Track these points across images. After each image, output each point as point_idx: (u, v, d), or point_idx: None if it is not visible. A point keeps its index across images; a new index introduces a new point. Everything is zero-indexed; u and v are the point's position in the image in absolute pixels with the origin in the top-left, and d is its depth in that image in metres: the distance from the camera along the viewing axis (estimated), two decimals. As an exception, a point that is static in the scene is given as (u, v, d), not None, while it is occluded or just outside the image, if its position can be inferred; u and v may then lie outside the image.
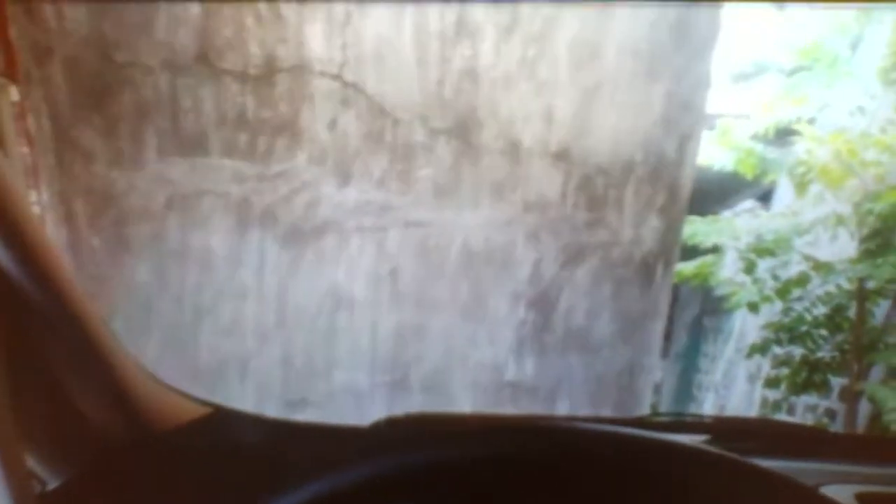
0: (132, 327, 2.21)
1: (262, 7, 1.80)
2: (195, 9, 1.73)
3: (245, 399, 2.44)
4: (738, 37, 4.05)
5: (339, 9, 1.90)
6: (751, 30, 4.18)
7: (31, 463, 0.72)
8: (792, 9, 3.88)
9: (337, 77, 1.99)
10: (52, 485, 0.74)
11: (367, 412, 2.52)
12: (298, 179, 2.10)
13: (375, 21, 1.98)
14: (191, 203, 2.01)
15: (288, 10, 1.84)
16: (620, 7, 2.34)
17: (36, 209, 1.87)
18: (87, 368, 0.73)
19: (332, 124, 2.05)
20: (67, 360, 0.71)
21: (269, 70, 1.87)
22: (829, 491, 0.81)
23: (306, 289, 2.33)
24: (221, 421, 0.92)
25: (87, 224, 1.94)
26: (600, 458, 0.65)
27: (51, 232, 1.91)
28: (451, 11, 2.07)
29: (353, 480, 0.63)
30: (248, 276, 2.24)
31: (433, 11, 2.05)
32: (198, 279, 2.17)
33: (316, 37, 1.90)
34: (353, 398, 2.53)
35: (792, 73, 4.09)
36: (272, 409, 2.41)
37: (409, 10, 2.03)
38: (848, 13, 3.82)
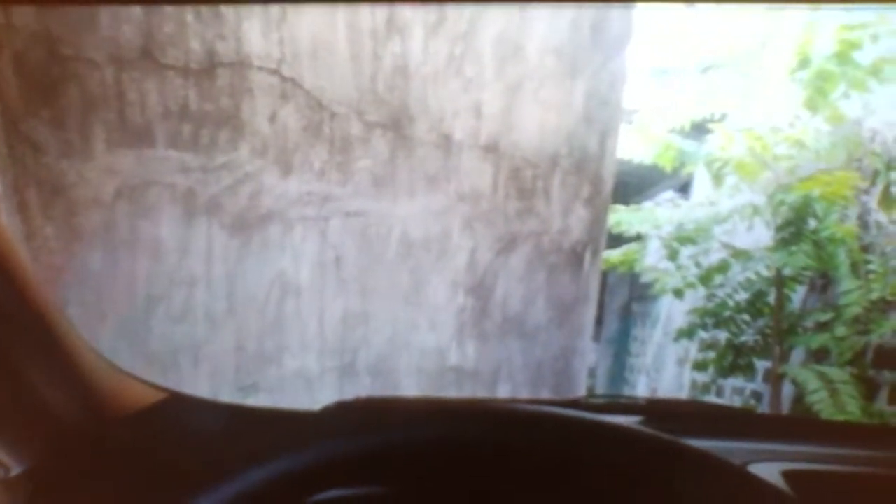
0: (86, 315, 2.21)
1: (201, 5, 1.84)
2: (137, 6, 1.77)
3: (198, 385, 2.44)
4: (652, 35, 4.17)
5: (274, 7, 1.95)
6: (664, 29, 4.30)
7: (-6, 449, 0.73)
8: (703, 8, 4.01)
9: (275, 72, 2.03)
10: (15, 470, 0.75)
11: (317, 396, 2.54)
12: (241, 170, 2.13)
13: (310, 18, 2.03)
14: (139, 193, 2.03)
15: (226, 8, 1.88)
16: (541, 8, 2.42)
17: (-11, 200, 1.88)
18: (43, 355, 0.74)
19: (273, 117, 2.09)
20: (24, 347, 0.71)
21: (210, 65, 1.91)
22: (756, 469, 0.83)
23: (254, 276, 2.34)
24: (177, 406, 0.93)
25: (39, 214, 1.95)
26: (538, 439, 0.67)
27: (5, 221, 1.92)
28: (382, 10, 2.13)
29: (304, 463, 0.64)
30: (197, 265, 2.25)
31: (365, 10, 2.11)
32: (148, 267, 2.18)
33: (254, 33, 1.95)
34: (303, 383, 2.54)
35: (705, 70, 4.22)
36: (225, 395, 2.41)
37: (342, 9, 2.09)
38: (757, 13, 3.96)
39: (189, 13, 1.82)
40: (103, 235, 2.08)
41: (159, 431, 0.88)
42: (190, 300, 2.31)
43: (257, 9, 1.90)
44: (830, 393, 3.84)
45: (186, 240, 2.19)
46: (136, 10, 1.74)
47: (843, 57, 3.65)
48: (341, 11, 2.07)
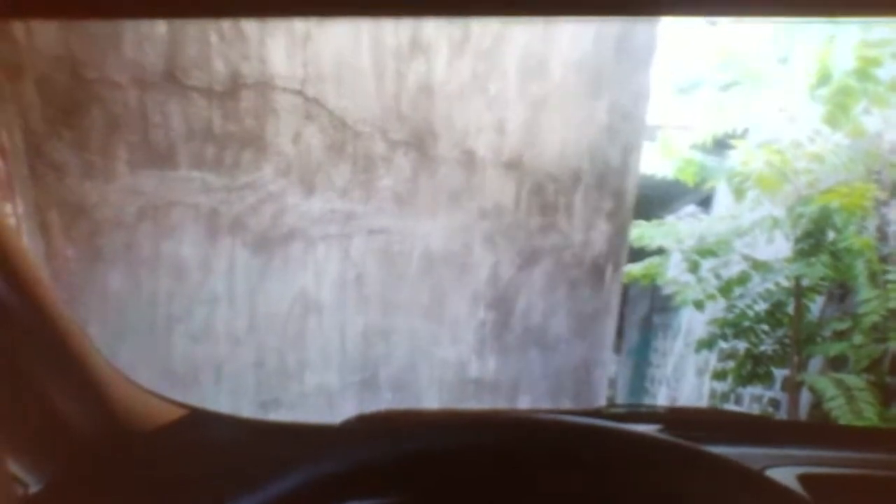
0: (107, 334, 2.17)
1: (226, 25, 1.79)
2: (161, 27, 1.72)
3: (220, 402, 2.40)
4: (675, 52, 4.12)
5: (299, 27, 1.90)
6: (687, 45, 4.26)
7: (14, 467, 0.71)
8: (725, 25, 3.97)
9: (299, 92, 1.99)
10: (35, 488, 0.73)
11: (338, 411, 2.51)
12: (265, 190, 2.09)
13: (334, 38, 1.99)
14: (161, 213, 1.99)
15: (250, 29, 1.83)
16: (565, 23, 2.37)
17: (12, 221, 1.84)
18: (65, 373, 0.72)
19: (296, 137, 2.05)
20: (46, 365, 0.70)
21: (234, 86, 1.87)
22: (773, 473, 0.83)
23: (276, 294, 2.31)
24: (197, 421, 0.91)
25: (61, 234, 1.91)
26: (558, 447, 0.66)
27: (27, 242, 1.88)
28: (406, 28, 2.09)
29: (324, 474, 0.62)
30: (218, 283, 2.22)
31: (388, 28, 2.06)
32: (170, 287, 2.15)
33: (277, 54, 1.90)
34: (324, 398, 2.50)
35: (726, 87, 4.18)
36: (247, 411, 2.38)
37: (366, 28, 2.04)
38: (778, 29, 3.92)
39: (213, 34, 1.78)
40: (125, 255, 2.04)
41: (180, 447, 0.86)
42: (211, 318, 2.28)
43: (281, 29, 1.85)
44: (848, 399, 3.79)
45: (209, 259, 2.15)
46: (160, 32, 1.69)
47: (863, 73, 3.59)
48: (365, 30, 2.02)
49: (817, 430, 1.28)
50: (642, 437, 0.67)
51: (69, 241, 1.97)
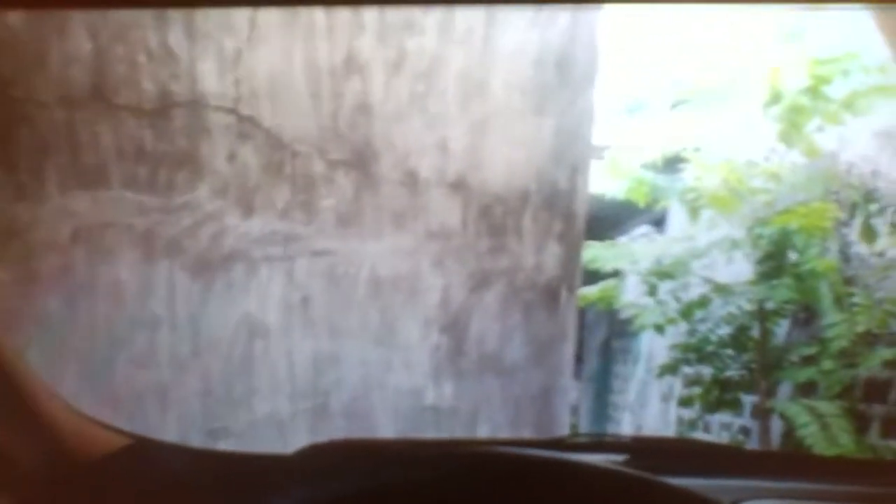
0: (47, 360, 2.16)
1: (153, 44, 1.83)
2: (87, 45, 1.76)
3: (166, 430, 2.38)
4: (622, 71, 4.20)
5: (228, 45, 1.95)
6: (634, 64, 4.34)
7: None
8: (672, 43, 4.05)
9: (232, 111, 2.02)
10: None
11: (290, 440, 2.49)
12: (201, 211, 2.11)
13: (266, 57, 2.03)
14: (96, 235, 2.00)
15: (179, 48, 1.87)
16: (503, 44, 2.42)
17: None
18: (6, 403, 0.72)
19: (231, 157, 2.08)
20: None
21: (164, 105, 1.90)
22: None
23: (219, 318, 2.31)
24: (143, 451, 0.90)
25: (-7, 258, 1.92)
26: (516, 481, 0.65)
27: (-44, 266, 1.89)
28: (340, 49, 2.13)
29: None
30: (159, 307, 2.22)
31: (322, 48, 2.11)
32: (109, 310, 2.15)
33: (208, 72, 1.94)
34: (275, 426, 2.48)
35: (676, 105, 4.25)
36: (195, 440, 2.36)
37: (299, 48, 2.08)
38: (724, 50, 4.00)
39: (141, 54, 1.81)
40: (61, 279, 2.05)
41: (125, 477, 0.85)
42: (153, 343, 2.27)
43: (211, 48, 1.89)
44: (822, 427, 3.78)
45: (147, 282, 2.16)
46: (86, 51, 1.73)
47: (815, 91, 3.67)
48: (298, 50, 2.06)
49: (791, 460, 1.29)
50: (600, 470, 0.67)
51: (2, 265, 1.98)
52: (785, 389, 4.48)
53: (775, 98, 3.76)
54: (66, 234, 1.97)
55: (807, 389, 4.32)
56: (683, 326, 4.44)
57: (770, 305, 4.17)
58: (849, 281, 4.13)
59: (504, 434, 2.89)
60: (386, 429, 2.61)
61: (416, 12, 2.32)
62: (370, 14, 2.23)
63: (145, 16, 1.82)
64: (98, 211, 1.96)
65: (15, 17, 1.70)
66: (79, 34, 1.76)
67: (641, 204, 4.27)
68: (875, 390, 4.06)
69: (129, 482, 0.84)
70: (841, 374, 3.96)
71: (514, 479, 0.65)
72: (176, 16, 1.88)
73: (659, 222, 5.58)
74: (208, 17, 1.94)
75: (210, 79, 1.95)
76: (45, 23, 1.72)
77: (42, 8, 1.63)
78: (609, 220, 5.35)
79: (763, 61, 3.85)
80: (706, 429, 4.93)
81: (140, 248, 2.09)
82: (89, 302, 2.12)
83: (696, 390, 4.56)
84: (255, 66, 2.02)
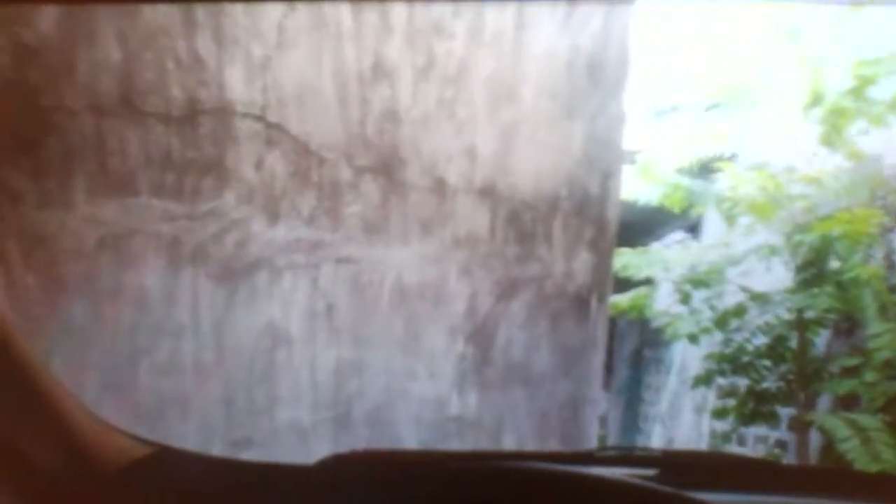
0: (70, 367, 2.21)
1: (182, 51, 1.87)
2: (116, 54, 1.80)
3: (188, 439, 2.41)
4: (655, 74, 4.17)
5: (257, 52, 1.98)
6: (667, 67, 4.31)
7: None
8: (706, 43, 4.01)
9: (260, 118, 2.05)
10: None
11: (312, 449, 2.50)
12: (227, 218, 2.14)
13: (294, 64, 2.06)
14: (122, 242, 2.04)
15: (207, 54, 1.91)
16: (535, 48, 2.43)
17: (-33, 251, 1.90)
18: (26, 409, 0.73)
19: (259, 164, 2.11)
20: (8, 402, 0.71)
21: (192, 112, 1.93)
22: None
23: (243, 326, 2.33)
24: (165, 460, 0.91)
25: (20, 264, 1.97)
26: (549, 497, 0.65)
27: (-16, 273, 1.94)
28: (368, 53, 2.15)
29: None
30: (183, 315, 2.25)
31: (350, 54, 2.13)
32: (133, 318, 2.19)
33: (236, 80, 1.97)
34: (297, 435, 2.50)
35: (709, 108, 4.21)
36: (217, 449, 2.38)
37: (327, 54, 2.11)
38: (765, 50, 3.96)
39: (169, 60, 1.85)
40: (86, 286, 2.09)
41: (147, 486, 0.86)
42: (177, 351, 2.31)
43: (239, 55, 1.92)
44: (863, 441, 3.72)
45: (172, 289, 2.19)
46: (115, 58, 1.77)
47: (859, 93, 3.63)
48: (325, 56, 2.09)
49: (831, 476, 1.20)
50: (633, 487, 0.66)
51: (28, 271, 2.02)
52: (824, 402, 4.43)
53: (816, 100, 3.72)
54: (93, 241, 2.01)
55: (848, 402, 4.26)
56: (718, 336, 4.40)
57: (810, 314, 4.12)
58: (894, 289, 4.07)
59: (530, 446, 2.88)
60: (409, 439, 2.62)
61: (445, 15, 2.33)
62: (398, 17, 2.25)
63: (174, 22, 1.86)
64: (125, 218, 1.99)
65: (45, 25, 1.74)
66: (107, 42, 1.80)
67: (676, 210, 4.26)
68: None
69: (150, 491, 0.85)
70: (885, 387, 3.90)
71: (539, 494, 0.65)
72: (204, 22, 1.92)
73: (694, 228, 5.54)
74: (236, 23, 1.97)
75: (238, 86, 1.98)
76: (74, 30, 1.76)
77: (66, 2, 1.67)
78: (642, 227, 5.31)
79: (803, 61, 3.81)
80: (741, 442, 4.89)
81: (165, 255, 2.12)
82: (114, 309, 2.16)
83: (731, 402, 4.51)
84: (283, 73, 2.04)
